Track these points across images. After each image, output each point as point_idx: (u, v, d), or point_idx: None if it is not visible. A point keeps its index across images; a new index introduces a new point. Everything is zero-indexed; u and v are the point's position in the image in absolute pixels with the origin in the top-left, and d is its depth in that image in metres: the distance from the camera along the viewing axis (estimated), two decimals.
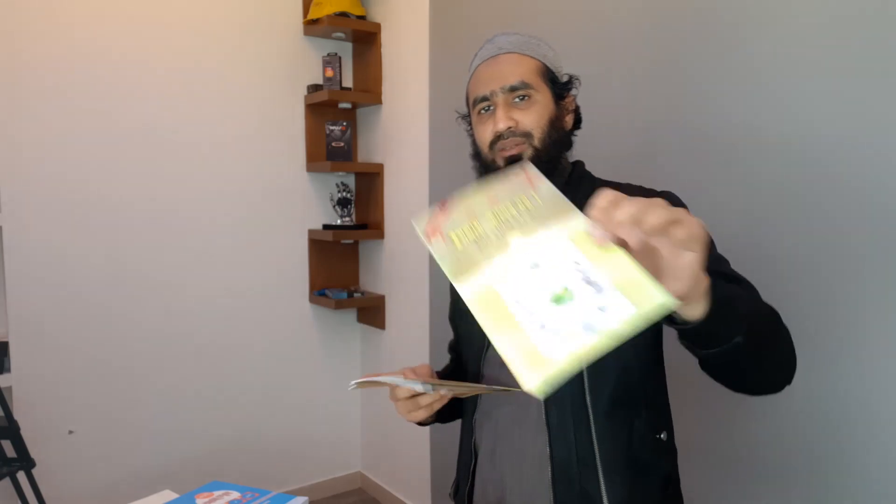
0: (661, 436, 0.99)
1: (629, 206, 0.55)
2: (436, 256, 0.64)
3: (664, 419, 1.03)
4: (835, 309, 1.29)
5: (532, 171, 0.67)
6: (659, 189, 1.00)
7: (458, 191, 0.70)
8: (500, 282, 0.60)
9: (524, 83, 0.99)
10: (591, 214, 0.58)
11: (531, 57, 1.01)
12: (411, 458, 2.66)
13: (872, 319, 1.24)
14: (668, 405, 1.05)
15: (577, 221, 0.61)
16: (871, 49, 1.22)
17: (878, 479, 1.24)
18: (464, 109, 1.10)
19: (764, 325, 0.80)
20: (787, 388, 0.87)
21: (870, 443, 1.26)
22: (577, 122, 1.09)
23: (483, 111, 1.02)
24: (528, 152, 0.98)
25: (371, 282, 2.88)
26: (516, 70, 0.99)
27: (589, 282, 0.57)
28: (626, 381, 0.96)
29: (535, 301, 0.58)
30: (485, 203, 0.67)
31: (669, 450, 1.02)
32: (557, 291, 0.58)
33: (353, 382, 0.90)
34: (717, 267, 0.83)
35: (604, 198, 0.57)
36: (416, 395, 0.93)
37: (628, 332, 0.54)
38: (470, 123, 1.08)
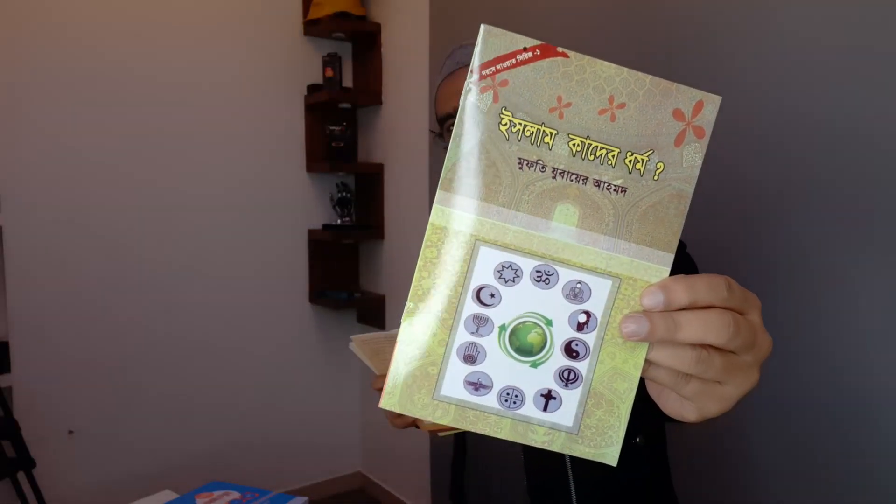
0: (636, 440, 0.97)
1: (700, 323, 0.37)
2: (462, 119, 0.38)
3: (639, 422, 1.01)
4: (831, 307, 1.29)
5: (711, 114, 0.38)
6: None
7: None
8: (487, 244, 0.38)
9: None
10: (644, 301, 0.38)
11: None
12: (411, 458, 2.66)
13: (869, 318, 1.24)
14: (647, 409, 1.04)
15: (655, 265, 0.39)
16: (864, 50, 1.22)
17: (879, 474, 1.25)
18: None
19: None
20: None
21: (869, 440, 1.26)
22: None
23: (451, 127, 1.02)
24: None
25: (371, 282, 2.88)
26: None
27: (574, 353, 0.39)
28: None
29: (498, 321, 0.39)
30: (599, 101, 0.38)
31: (647, 454, 1.00)
32: (535, 339, 0.39)
33: (351, 338, 0.90)
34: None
35: (677, 290, 0.38)
36: None
37: (539, 444, 0.40)
38: (444, 139, 1.08)
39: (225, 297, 2.62)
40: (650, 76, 0.38)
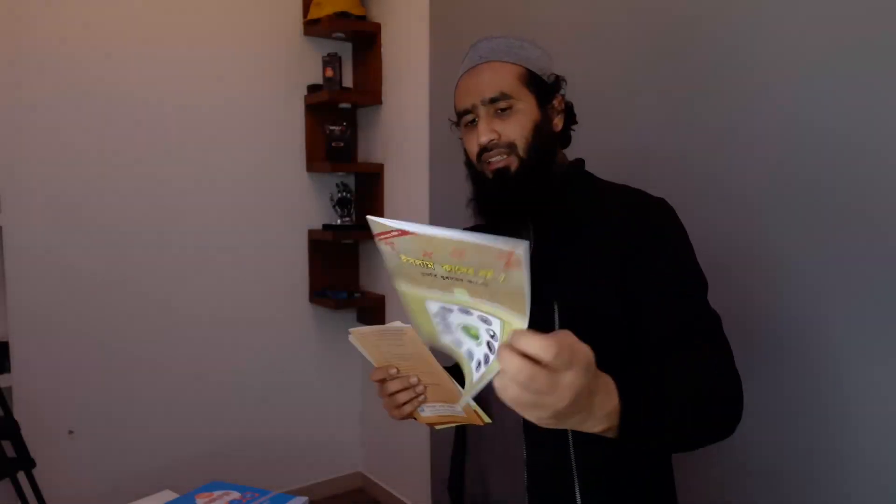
0: None
1: (517, 389, 0.57)
2: (383, 255, 0.67)
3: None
4: (828, 312, 1.29)
5: (519, 254, 0.57)
6: (655, 195, 1.00)
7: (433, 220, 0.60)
8: (432, 301, 0.67)
9: (503, 94, 0.98)
10: (501, 354, 0.57)
11: (512, 63, 1.00)
12: (411, 458, 2.66)
13: (868, 320, 1.24)
14: None
15: (517, 318, 0.60)
16: (863, 51, 1.22)
17: (877, 476, 1.25)
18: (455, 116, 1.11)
19: (701, 417, 0.81)
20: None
21: (868, 442, 1.26)
22: (571, 120, 1.09)
23: (469, 123, 1.03)
24: (514, 164, 0.98)
25: (371, 282, 2.88)
26: (495, 80, 0.99)
27: (491, 347, 0.65)
28: None
29: (455, 323, 0.68)
30: (448, 252, 0.60)
31: (652, 456, 1.00)
32: (474, 332, 0.67)
33: (350, 331, 0.91)
34: (691, 328, 0.88)
35: (509, 360, 0.57)
36: (394, 394, 0.93)
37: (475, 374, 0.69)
38: (459, 130, 1.09)
39: (225, 297, 2.62)
40: (475, 238, 0.58)
